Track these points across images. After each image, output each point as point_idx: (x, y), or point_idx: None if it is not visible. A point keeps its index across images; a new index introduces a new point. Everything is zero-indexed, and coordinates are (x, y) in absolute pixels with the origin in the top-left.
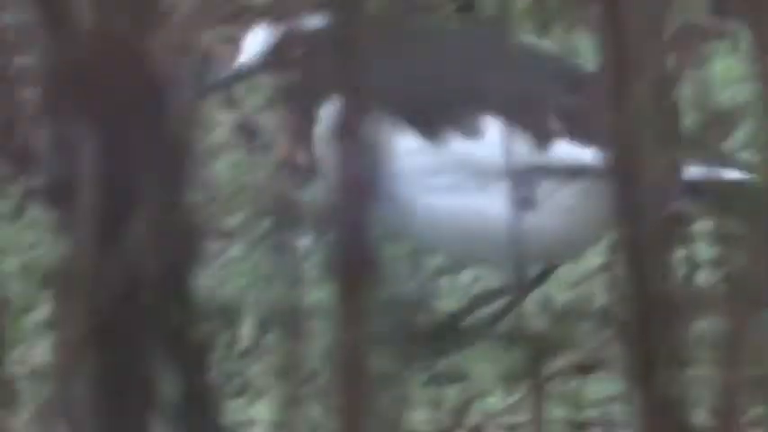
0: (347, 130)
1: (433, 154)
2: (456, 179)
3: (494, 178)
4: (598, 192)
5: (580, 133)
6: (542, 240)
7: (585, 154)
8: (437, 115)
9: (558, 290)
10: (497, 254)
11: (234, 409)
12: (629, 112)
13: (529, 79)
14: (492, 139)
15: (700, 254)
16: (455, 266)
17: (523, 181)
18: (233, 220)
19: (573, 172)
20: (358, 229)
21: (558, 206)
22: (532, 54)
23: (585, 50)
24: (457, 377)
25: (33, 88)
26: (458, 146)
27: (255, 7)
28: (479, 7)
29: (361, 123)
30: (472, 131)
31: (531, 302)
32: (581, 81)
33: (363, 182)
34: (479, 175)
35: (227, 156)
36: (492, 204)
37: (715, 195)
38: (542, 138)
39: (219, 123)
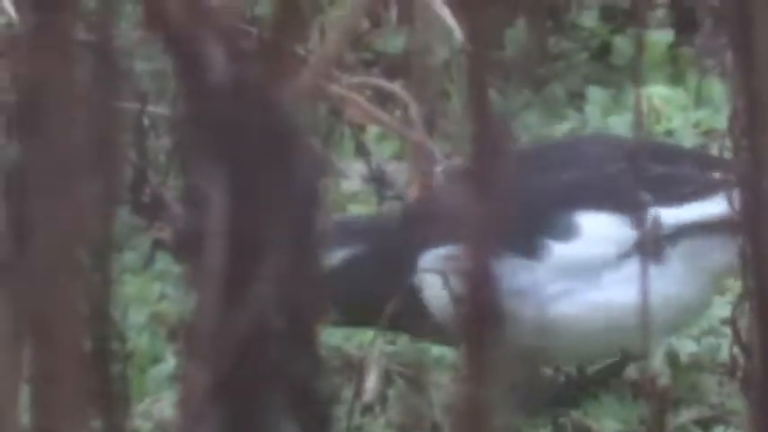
0: (476, 178)
1: (538, 266)
2: (567, 283)
3: (602, 270)
4: (707, 248)
5: (672, 197)
6: (670, 307)
7: (683, 214)
8: (530, 229)
9: (683, 342)
10: (627, 340)
11: None
12: (762, 158)
13: (611, 167)
14: (589, 234)
15: None
16: None
17: (646, 246)
18: None
19: (675, 234)
20: (485, 281)
21: (672, 271)
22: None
23: (718, 98)
24: (581, 431)
25: (166, 138)
26: (560, 250)
27: (388, 56)
28: (613, 55)
29: (488, 172)
30: (568, 233)
31: (656, 355)
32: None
33: (491, 238)
34: (588, 271)
35: (358, 205)
36: (608, 295)
37: None
38: (637, 212)
39: (352, 172)
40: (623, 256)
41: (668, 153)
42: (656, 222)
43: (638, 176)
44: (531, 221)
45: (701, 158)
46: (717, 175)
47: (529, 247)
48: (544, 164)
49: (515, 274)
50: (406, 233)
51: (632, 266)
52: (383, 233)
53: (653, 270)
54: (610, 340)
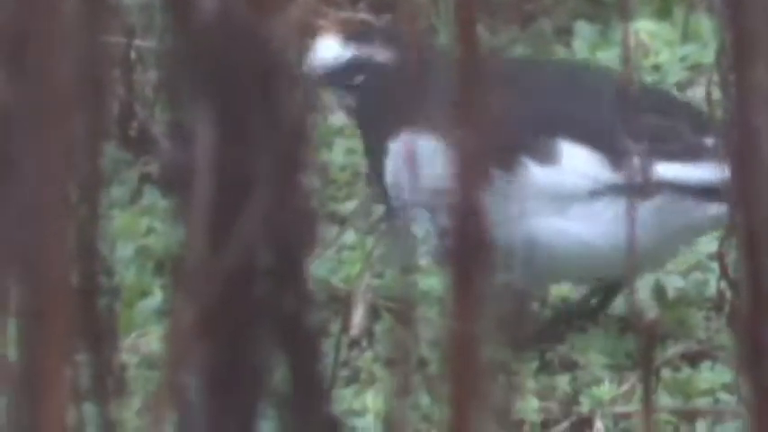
0: (462, 113)
1: (511, 182)
2: (535, 205)
3: (573, 201)
4: (682, 207)
5: (659, 151)
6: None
7: (666, 171)
8: (512, 145)
9: (670, 278)
10: (584, 274)
11: (344, 398)
12: (750, 94)
13: (602, 104)
14: (569, 164)
15: None
16: None
17: (625, 195)
18: (347, 206)
19: (652, 189)
20: (473, 214)
21: (642, 222)
22: (608, 80)
23: (706, 33)
24: (567, 366)
25: (153, 72)
26: (538, 173)
27: None
28: None
29: (476, 110)
30: (548, 158)
31: (642, 290)
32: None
33: (479, 166)
34: (558, 199)
35: (342, 141)
36: (572, 226)
37: None
38: (619, 158)
39: (336, 108)
40: (595, 193)
41: (665, 103)
42: (639, 171)
43: (629, 121)
44: (516, 138)
45: (695, 116)
46: (707, 138)
47: (508, 161)
48: (539, 83)
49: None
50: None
51: (601, 205)
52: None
53: (621, 216)
54: (564, 270)
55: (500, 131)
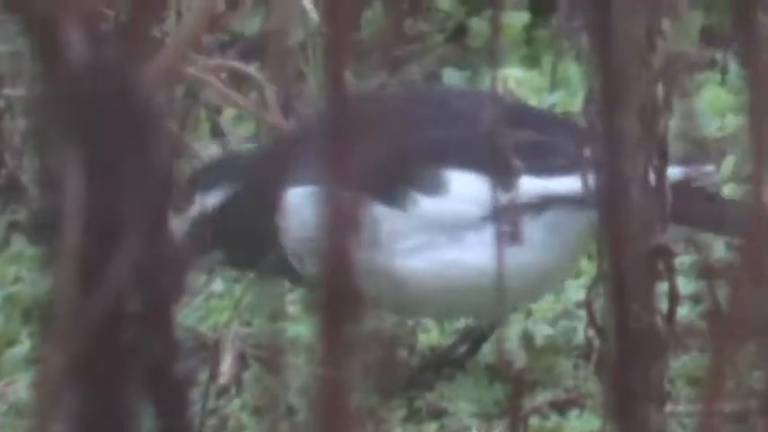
0: (333, 167)
1: (401, 217)
2: (428, 238)
3: (466, 229)
4: (571, 221)
5: (542, 167)
6: (527, 276)
7: (551, 185)
8: (397, 179)
9: (539, 325)
10: (481, 301)
11: None
12: (618, 141)
13: (480, 126)
14: (458, 192)
15: (682, 288)
16: None
17: (508, 218)
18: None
19: (541, 205)
20: (342, 263)
21: (533, 241)
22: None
23: (574, 81)
24: (436, 414)
25: (22, 120)
26: (425, 204)
27: (245, 38)
28: (469, 37)
29: (347, 163)
30: (436, 188)
31: (511, 338)
32: (531, 119)
33: (349, 217)
34: (451, 229)
35: None
36: (467, 255)
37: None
38: (506, 178)
39: (206, 153)
40: (487, 218)
41: (542, 120)
42: (522, 190)
43: (510, 141)
44: (400, 171)
45: (574, 130)
46: (587, 149)
47: (394, 196)
48: (415, 114)
49: (377, 222)
50: (274, 170)
51: (508, 223)
52: (259, 170)
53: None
54: (463, 300)
55: (373, 174)
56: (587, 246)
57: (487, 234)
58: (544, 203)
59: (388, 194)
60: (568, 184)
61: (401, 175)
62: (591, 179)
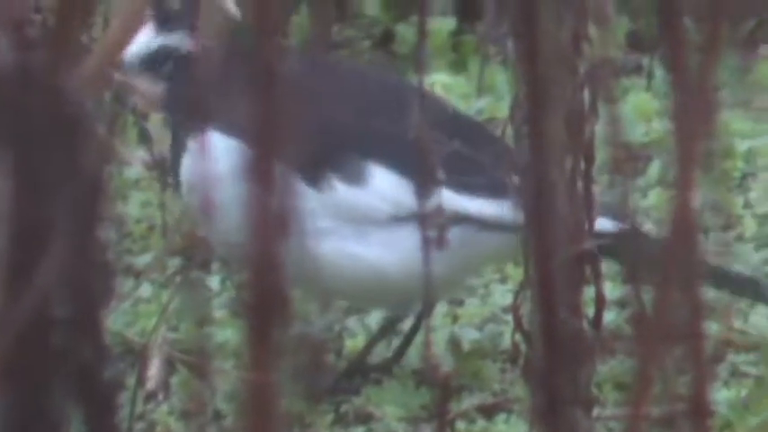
0: (258, 170)
1: (315, 198)
2: (336, 225)
3: (374, 226)
4: (479, 240)
5: (463, 183)
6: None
7: (468, 204)
8: (321, 161)
9: (466, 329)
10: (373, 299)
11: None
12: (543, 147)
13: (411, 128)
14: (376, 188)
15: (608, 292)
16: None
17: (433, 224)
18: (143, 259)
19: (452, 220)
20: (269, 267)
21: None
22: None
23: (501, 87)
24: (363, 418)
25: None
26: (343, 192)
27: None
28: (396, 43)
29: (271, 164)
30: (355, 179)
31: (437, 343)
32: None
33: (275, 220)
34: (359, 222)
35: (138, 194)
36: (369, 252)
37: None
38: (427, 186)
39: (133, 159)
40: (399, 220)
41: (474, 133)
42: (442, 203)
43: (438, 150)
44: (325, 153)
45: (503, 148)
46: (511, 172)
47: (314, 176)
48: (352, 99)
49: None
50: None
51: (402, 234)
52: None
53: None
54: (361, 295)
55: (299, 149)
56: (482, 267)
57: (395, 236)
58: (455, 219)
59: (308, 172)
60: (485, 205)
61: (325, 158)
62: (511, 204)
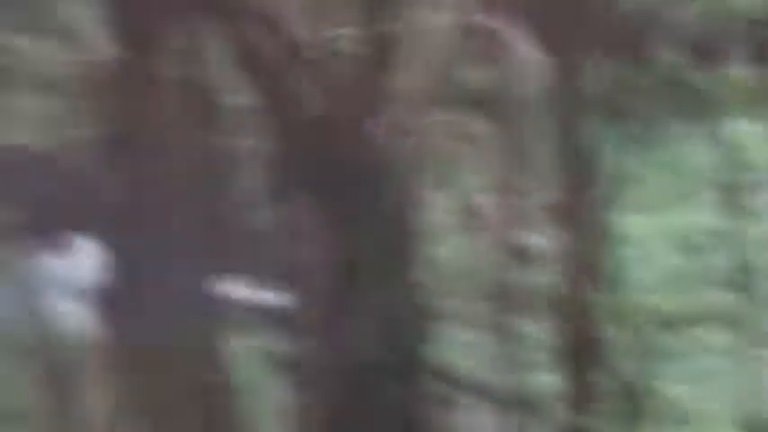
0: None
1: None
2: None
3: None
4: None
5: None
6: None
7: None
8: (27, 231)
9: None
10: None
11: None
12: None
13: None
14: (81, 259)
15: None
16: None
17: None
18: (453, 303)
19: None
20: None
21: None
22: None
23: None
24: None
25: (258, 171)
26: (50, 262)
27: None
28: None
29: None
30: (60, 250)
31: None
32: None
33: None
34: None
35: (448, 238)
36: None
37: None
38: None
39: (441, 206)
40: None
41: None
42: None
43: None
44: (32, 222)
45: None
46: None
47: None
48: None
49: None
50: None
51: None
52: None
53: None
54: None
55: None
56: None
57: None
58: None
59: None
60: None
61: (32, 229)
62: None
